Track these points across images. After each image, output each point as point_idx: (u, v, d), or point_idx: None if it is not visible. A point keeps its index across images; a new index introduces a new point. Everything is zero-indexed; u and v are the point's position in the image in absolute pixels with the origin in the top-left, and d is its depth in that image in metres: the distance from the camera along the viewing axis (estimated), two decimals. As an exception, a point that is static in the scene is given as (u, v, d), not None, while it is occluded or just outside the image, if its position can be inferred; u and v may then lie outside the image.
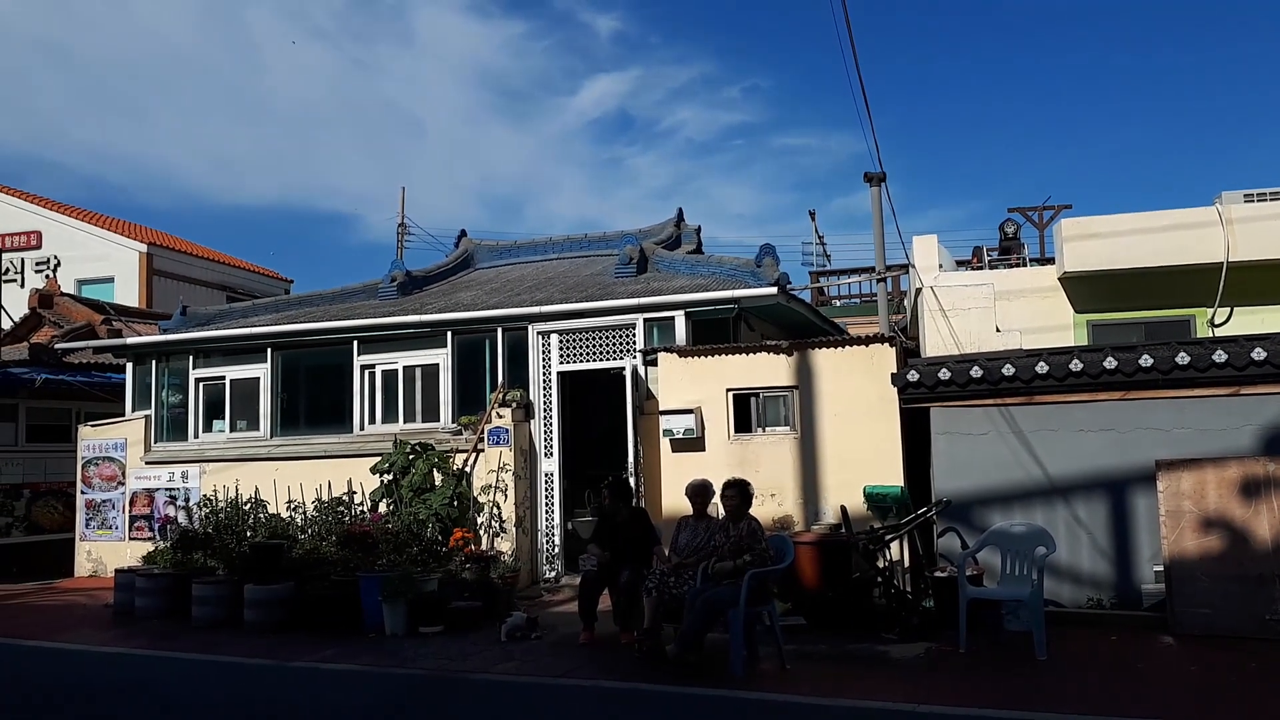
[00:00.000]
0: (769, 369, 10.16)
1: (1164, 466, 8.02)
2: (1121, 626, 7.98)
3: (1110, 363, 8.58)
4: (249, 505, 11.13)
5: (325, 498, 11.34)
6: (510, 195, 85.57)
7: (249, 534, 10.66)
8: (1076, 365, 8.68)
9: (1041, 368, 8.78)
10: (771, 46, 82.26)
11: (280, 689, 7.27)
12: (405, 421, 12.49)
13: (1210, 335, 10.33)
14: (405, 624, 8.79)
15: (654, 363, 10.78)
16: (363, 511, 11.16)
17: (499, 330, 12.08)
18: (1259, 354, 8.18)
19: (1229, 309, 10.71)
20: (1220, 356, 8.27)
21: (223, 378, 13.66)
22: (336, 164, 74.07)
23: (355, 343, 12.88)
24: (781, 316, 12.17)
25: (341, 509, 10.98)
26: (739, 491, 7.41)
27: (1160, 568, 8.04)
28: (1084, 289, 11.14)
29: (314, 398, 13.45)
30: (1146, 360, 8.48)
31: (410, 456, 11.49)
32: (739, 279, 11.56)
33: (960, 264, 15.69)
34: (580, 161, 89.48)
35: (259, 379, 13.40)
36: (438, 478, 11.45)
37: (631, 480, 10.44)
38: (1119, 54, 67.91)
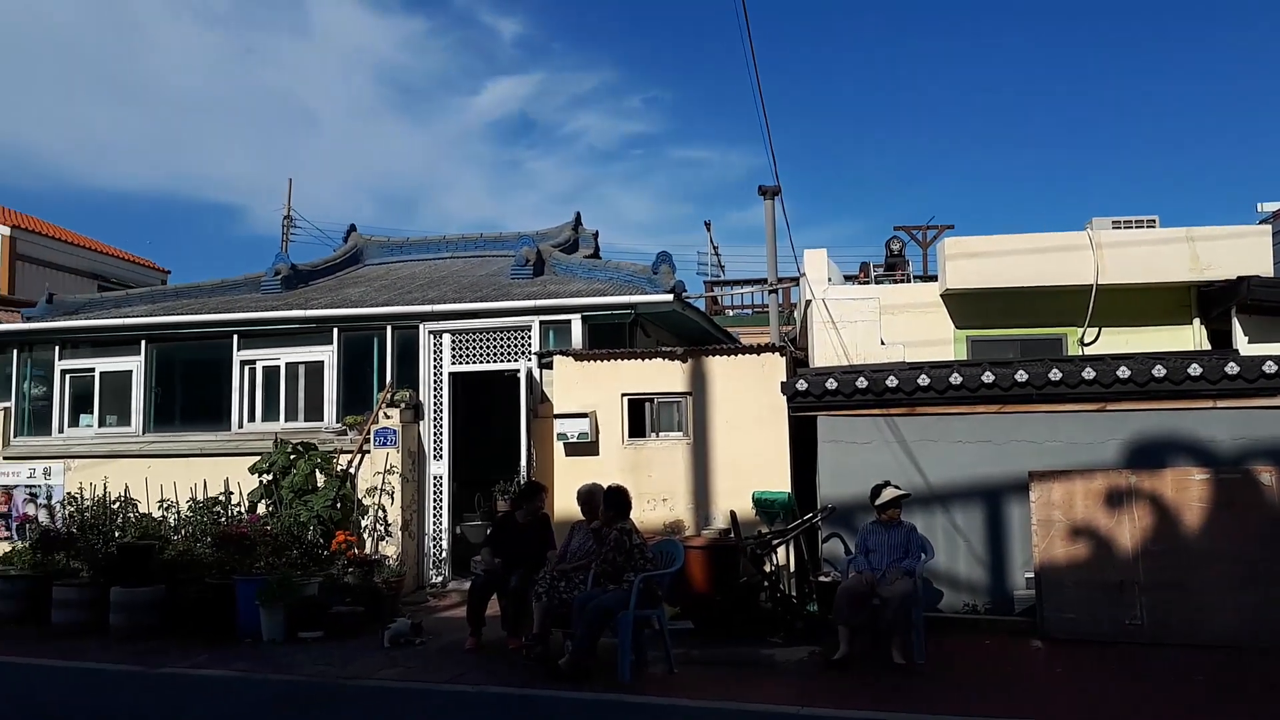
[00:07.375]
0: (663, 375, 10.21)
1: (1036, 477, 8.39)
2: (995, 631, 8.29)
3: (988, 377, 8.94)
4: (118, 504, 10.57)
5: (200, 498, 10.84)
6: (405, 193, 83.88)
7: (117, 534, 10.11)
8: (956, 379, 9.01)
9: (923, 380, 9.07)
10: (671, 61, 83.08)
11: (144, 696, 6.91)
12: (287, 420, 12.11)
13: (1080, 353, 10.86)
14: (283, 629, 8.48)
15: (549, 365, 10.70)
16: (240, 512, 10.71)
17: (388, 328, 11.83)
18: (1124, 372, 8.64)
19: (1097, 329, 11.28)
20: (1089, 374, 8.71)
21: (92, 370, 13.01)
22: (221, 153, 71.15)
23: (235, 337, 12.42)
24: (676, 324, 12.25)
25: (218, 509, 10.49)
26: (609, 502, 7.53)
27: (1031, 574, 8.41)
28: (964, 305, 11.57)
29: (190, 393, 12.95)
30: (1022, 375, 8.86)
31: (291, 456, 11.11)
32: (636, 285, 11.59)
33: (848, 278, 16.11)
34: (479, 162, 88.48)
35: (131, 372, 12.79)
36: (320, 479, 11.09)
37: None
38: (1005, 89, 71.15)
